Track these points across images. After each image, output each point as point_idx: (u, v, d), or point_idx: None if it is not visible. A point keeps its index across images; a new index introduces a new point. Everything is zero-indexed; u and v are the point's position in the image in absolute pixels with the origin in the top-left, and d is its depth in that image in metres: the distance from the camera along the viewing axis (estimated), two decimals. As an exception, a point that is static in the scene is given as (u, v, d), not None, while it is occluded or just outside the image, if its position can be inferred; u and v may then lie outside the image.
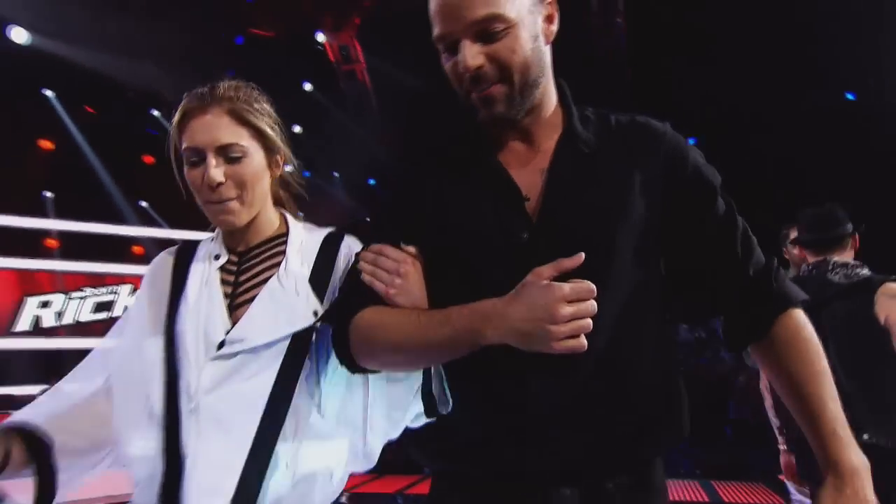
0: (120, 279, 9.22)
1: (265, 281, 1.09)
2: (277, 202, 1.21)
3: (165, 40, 7.18)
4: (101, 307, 9.04)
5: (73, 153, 8.66)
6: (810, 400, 0.97)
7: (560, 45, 1.05)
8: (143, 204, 9.85)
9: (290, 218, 1.19)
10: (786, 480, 2.63)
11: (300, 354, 1.05)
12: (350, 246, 1.16)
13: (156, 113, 8.85)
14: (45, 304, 8.78)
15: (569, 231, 0.94)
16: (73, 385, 1.10)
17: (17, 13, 6.40)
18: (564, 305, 0.81)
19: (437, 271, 0.99)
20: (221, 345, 1.03)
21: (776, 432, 2.54)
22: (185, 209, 1.28)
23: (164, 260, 1.17)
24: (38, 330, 8.71)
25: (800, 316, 1.02)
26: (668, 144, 1.04)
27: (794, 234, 2.71)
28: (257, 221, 1.13)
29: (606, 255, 0.95)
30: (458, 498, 0.99)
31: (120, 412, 1.07)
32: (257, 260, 1.12)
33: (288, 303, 1.06)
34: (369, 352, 0.97)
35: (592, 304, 0.82)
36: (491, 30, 0.90)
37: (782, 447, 2.52)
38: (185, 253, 1.15)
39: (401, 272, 0.96)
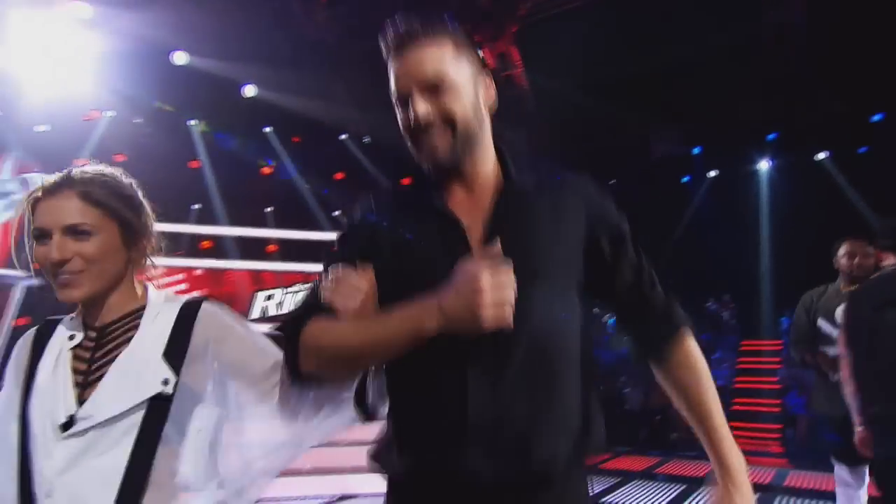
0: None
1: (117, 356, 1.10)
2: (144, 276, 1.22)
3: (350, 80, 8.65)
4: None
5: (286, 176, 10.73)
6: (701, 409, 1.15)
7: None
8: (335, 213, 11.71)
9: (151, 290, 1.20)
10: (835, 462, 3.31)
11: (156, 424, 1.05)
12: (208, 311, 1.18)
13: (343, 137, 10.55)
14: (269, 297, 10.97)
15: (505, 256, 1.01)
16: None
17: (250, 76, 8.45)
18: (486, 277, 0.88)
19: (388, 294, 1.04)
20: (68, 425, 1.02)
21: (854, 414, 2.86)
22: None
23: (25, 341, 1.17)
24: (264, 318, 10.94)
25: (689, 339, 1.20)
26: (590, 193, 1.20)
27: (842, 250, 3.39)
28: (112, 298, 1.14)
29: (538, 280, 1.04)
30: (414, 502, 1.03)
31: None
32: (112, 336, 1.13)
33: (136, 373, 1.07)
34: (316, 353, 0.99)
35: (511, 279, 0.91)
36: (438, 87, 1.05)
37: (858, 427, 2.85)
38: (43, 334, 1.15)
39: (358, 291, 1.01)
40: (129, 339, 1.11)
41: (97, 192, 1.10)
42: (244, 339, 1.18)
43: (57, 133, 9.52)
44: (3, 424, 1.08)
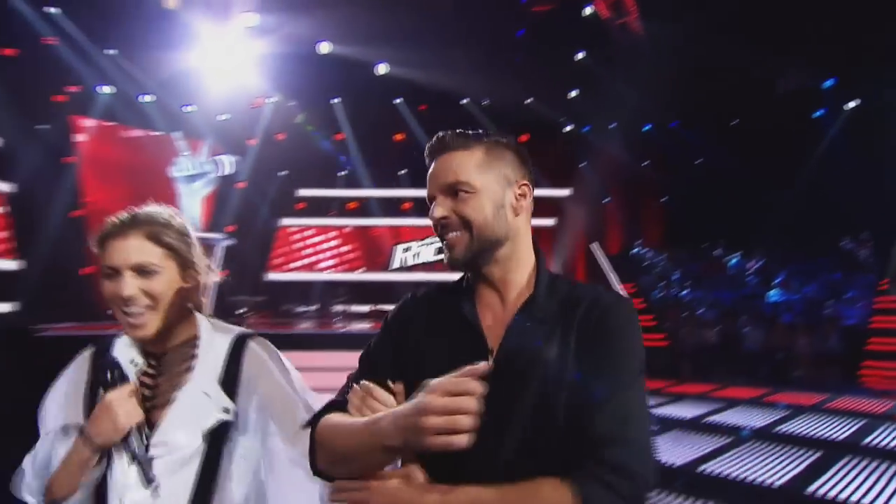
0: (450, 229, 12.45)
1: (180, 385, 1.17)
2: (195, 306, 1.27)
3: (467, 49, 9.57)
4: (439, 251, 12.42)
5: (415, 140, 12.05)
6: None
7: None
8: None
9: (200, 320, 1.25)
10: None
11: (218, 449, 1.14)
12: (253, 349, 1.25)
13: (464, 102, 11.55)
14: (406, 249, 12.55)
15: (515, 373, 1.04)
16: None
17: (382, 55, 9.77)
18: (435, 400, 0.86)
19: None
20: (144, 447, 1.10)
21: None
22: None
23: (82, 362, 1.23)
24: (403, 267, 12.56)
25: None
26: (602, 319, 1.08)
27: None
28: (171, 328, 1.20)
29: (529, 399, 1.02)
30: None
31: None
32: (172, 363, 1.20)
33: (200, 402, 1.14)
34: (325, 450, 1.03)
35: (466, 402, 0.86)
36: (458, 190, 1.08)
37: None
38: (101, 355, 1.21)
39: (385, 407, 1.02)
40: (188, 368, 1.19)
41: (160, 232, 1.16)
42: (282, 386, 1.24)
43: (235, 120, 11.67)
44: (62, 438, 1.16)
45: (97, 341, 1.25)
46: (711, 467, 4.60)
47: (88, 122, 10.58)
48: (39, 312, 7.25)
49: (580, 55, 11.17)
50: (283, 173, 12.51)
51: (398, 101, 11.63)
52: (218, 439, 1.15)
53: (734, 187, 11.95)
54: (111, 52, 9.91)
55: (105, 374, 1.14)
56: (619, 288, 11.27)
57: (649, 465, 0.97)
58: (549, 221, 12.08)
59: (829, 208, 10.50)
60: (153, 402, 1.16)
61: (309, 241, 12.49)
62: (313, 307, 10.59)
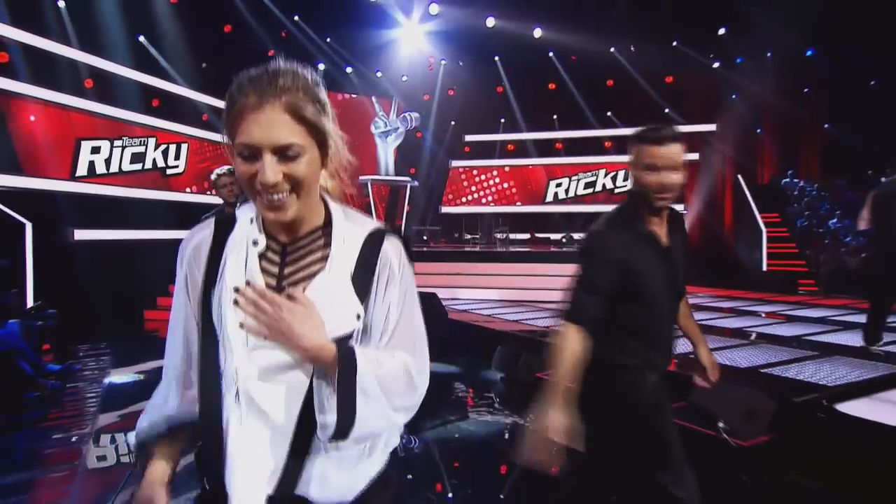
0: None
1: (310, 276, 1.02)
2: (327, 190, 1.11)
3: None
4: (587, 185, 14.00)
5: (566, 88, 13.51)
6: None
7: None
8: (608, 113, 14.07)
9: (333, 207, 1.08)
10: None
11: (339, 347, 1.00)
12: (388, 249, 1.06)
13: (612, 50, 12.66)
14: (558, 185, 14.33)
15: (677, 262, 1.82)
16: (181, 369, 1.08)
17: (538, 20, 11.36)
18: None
19: (632, 296, 1.71)
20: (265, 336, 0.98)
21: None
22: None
23: (203, 236, 1.07)
24: (555, 200, 14.38)
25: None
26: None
27: None
28: (306, 215, 1.03)
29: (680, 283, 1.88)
30: None
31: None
32: (302, 252, 1.04)
33: (333, 303, 1.00)
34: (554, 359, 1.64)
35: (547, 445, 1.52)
36: (677, 167, 1.71)
37: None
38: (223, 231, 1.05)
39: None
40: (318, 259, 1.03)
41: (304, 107, 0.95)
42: (408, 296, 1.07)
43: (413, 81, 14.13)
44: (184, 319, 1.06)
45: (221, 216, 1.08)
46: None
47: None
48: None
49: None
50: (454, 123, 14.84)
51: (551, 53, 13.12)
52: (342, 339, 1.00)
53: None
54: (328, 39, 12.82)
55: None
56: (759, 218, 11.96)
57: None
58: (693, 156, 12.97)
59: None
60: (277, 290, 1.00)
61: (475, 180, 14.86)
62: (479, 235, 12.82)
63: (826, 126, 13.68)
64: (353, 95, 13.62)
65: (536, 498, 2.77)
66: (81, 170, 9.32)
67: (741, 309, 8.09)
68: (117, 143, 9.82)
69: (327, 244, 1.04)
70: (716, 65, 13.07)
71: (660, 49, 12.22)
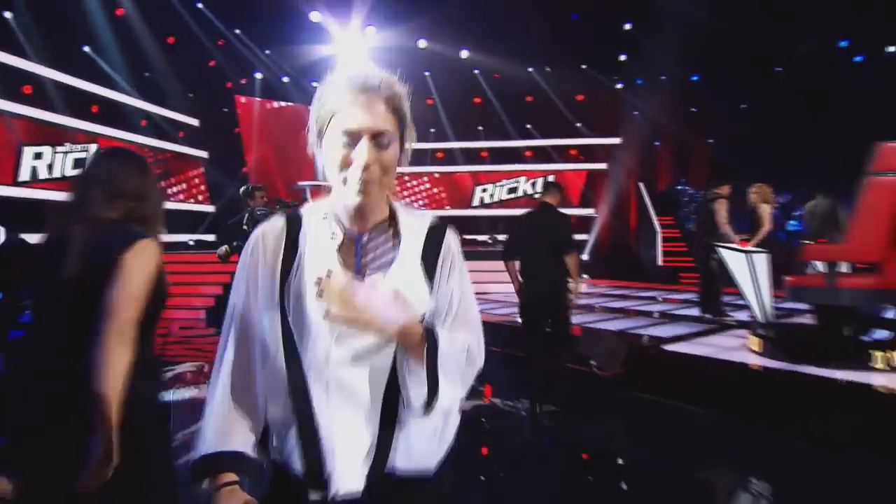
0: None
1: (385, 264, 1.09)
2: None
3: (532, 31, 12.15)
4: (510, 190, 15.41)
5: (489, 102, 14.82)
6: None
7: None
8: (528, 126, 15.53)
9: (393, 202, 1.16)
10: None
11: None
12: (450, 239, 1.16)
13: (530, 70, 14.13)
14: (484, 190, 15.63)
15: None
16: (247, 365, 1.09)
17: (464, 43, 12.61)
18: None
19: None
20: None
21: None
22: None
23: (276, 233, 1.11)
24: (481, 205, 15.69)
25: None
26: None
27: None
28: (377, 204, 1.09)
29: None
30: None
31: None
32: (375, 243, 1.11)
33: (408, 289, 1.07)
34: None
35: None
36: None
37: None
38: (294, 227, 1.11)
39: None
40: (389, 249, 1.11)
41: (397, 100, 1.05)
42: (466, 283, 1.17)
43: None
44: (261, 309, 1.08)
45: (290, 214, 1.14)
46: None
47: (245, 100, 14.38)
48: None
49: (627, 26, 13.20)
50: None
51: (476, 71, 14.45)
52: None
53: (771, 130, 13.74)
54: (267, 51, 13.49)
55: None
56: (656, 220, 13.77)
57: None
58: (602, 165, 14.72)
59: (854, 151, 12.23)
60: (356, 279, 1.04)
61: (406, 185, 15.91)
62: None
63: (710, 141, 15.83)
64: (290, 104, 14.33)
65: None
66: (24, 175, 9.59)
67: (630, 295, 9.74)
68: (60, 148, 10.11)
69: (395, 235, 1.12)
70: (619, 86, 14.91)
71: (571, 71, 13.86)
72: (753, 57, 13.31)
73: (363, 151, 1.02)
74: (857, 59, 13.06)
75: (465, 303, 1.16)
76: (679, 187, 15.47)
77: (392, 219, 1.15)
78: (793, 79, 13.31)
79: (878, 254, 3.96)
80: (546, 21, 12.38)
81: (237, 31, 12.78)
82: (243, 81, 13.85)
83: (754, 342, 4.69)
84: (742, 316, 6.35)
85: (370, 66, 1.09)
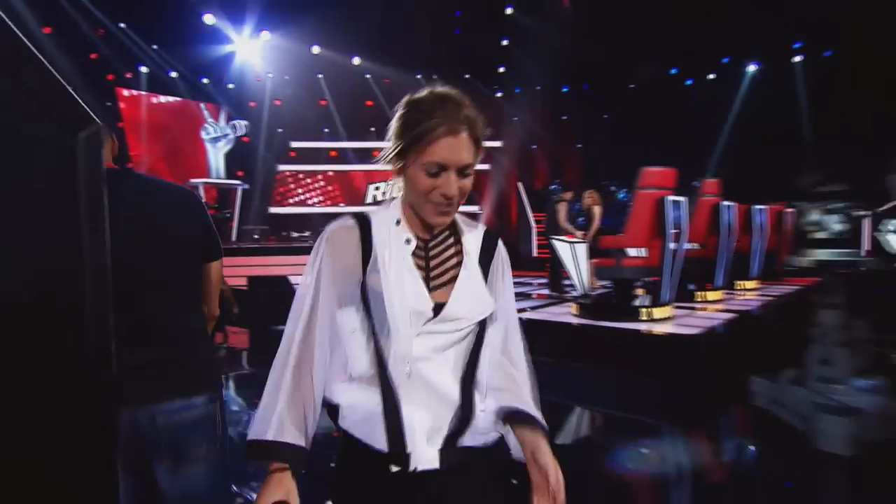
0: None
1: (452, 267, 1.19)
2: None
3: (419, 41, 13.13)
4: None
5: (380, 105, 15.63)
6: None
7: None
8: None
9: None
10: None
11: (482, 329, 1.21)
12: (501, 245, 1.28)
13: (418, 76, 15.14)
14: (377, 188, 16.40)
15: None
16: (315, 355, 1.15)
17: (356, 51, 13.34)
18: None
19: None
20: (430, 319, 1.12)
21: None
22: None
23: (350, 232, 1.18)
24: (375, 202, 16.36)
25: None
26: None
27: None
28: None
29: None
30: None
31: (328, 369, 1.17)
32: (440, 248, 1.20)
33: (477, 289, 1.18)
34: None
35: None
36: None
37: None
38: (365, 229, 1.18)
39: None
40: (454, 254, 1.20)
41: (480, 136, 1.13)
42: (512, 291, 1.31)
43: (240, 89, 15.07)
44: (338, 305, 1.16)
45: (358, 216, 1.20)
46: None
47: (129, 93, 13.97)
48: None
49: (504, 42, 14.64)
50: (280, 130, 16.09)
51: (368, 76, 15.19)
52: (483, 321, 1.20)
53: (627, 137, 15.80)
54: (154, 46, 13.26)
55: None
56: (531, 216, 15.34)
57: None
58: (485, 167, 16.07)
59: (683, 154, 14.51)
60: (429, 282, 1.16)
61: (301, 183, 16.20)
62: (307, 233, 14.20)
63: (579, 146, 17.81)
64: (178, 99, 14.13)
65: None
66: None
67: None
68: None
69: (457, 241, 1.22)
70: (499, 94, 16.33)
71: (456, 80, 14.90)
72: (611, 75, 15.35)
73: (451, 184, 1.10)
74: (688, 82, 15.58)
75: (512, 303, 1.32)
76: (553, 187, 17.24)
77: (452, 226, 1.24)
78: (640, 95, 15.51)
79: (644, 242, 6.01)
80: (432, 34, 13.46)
81: (122, 26, 12.49)
82: (129, 75, 13.48)
83: (575, 308, 6.57)
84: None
85: (456, 94, 1.15)
